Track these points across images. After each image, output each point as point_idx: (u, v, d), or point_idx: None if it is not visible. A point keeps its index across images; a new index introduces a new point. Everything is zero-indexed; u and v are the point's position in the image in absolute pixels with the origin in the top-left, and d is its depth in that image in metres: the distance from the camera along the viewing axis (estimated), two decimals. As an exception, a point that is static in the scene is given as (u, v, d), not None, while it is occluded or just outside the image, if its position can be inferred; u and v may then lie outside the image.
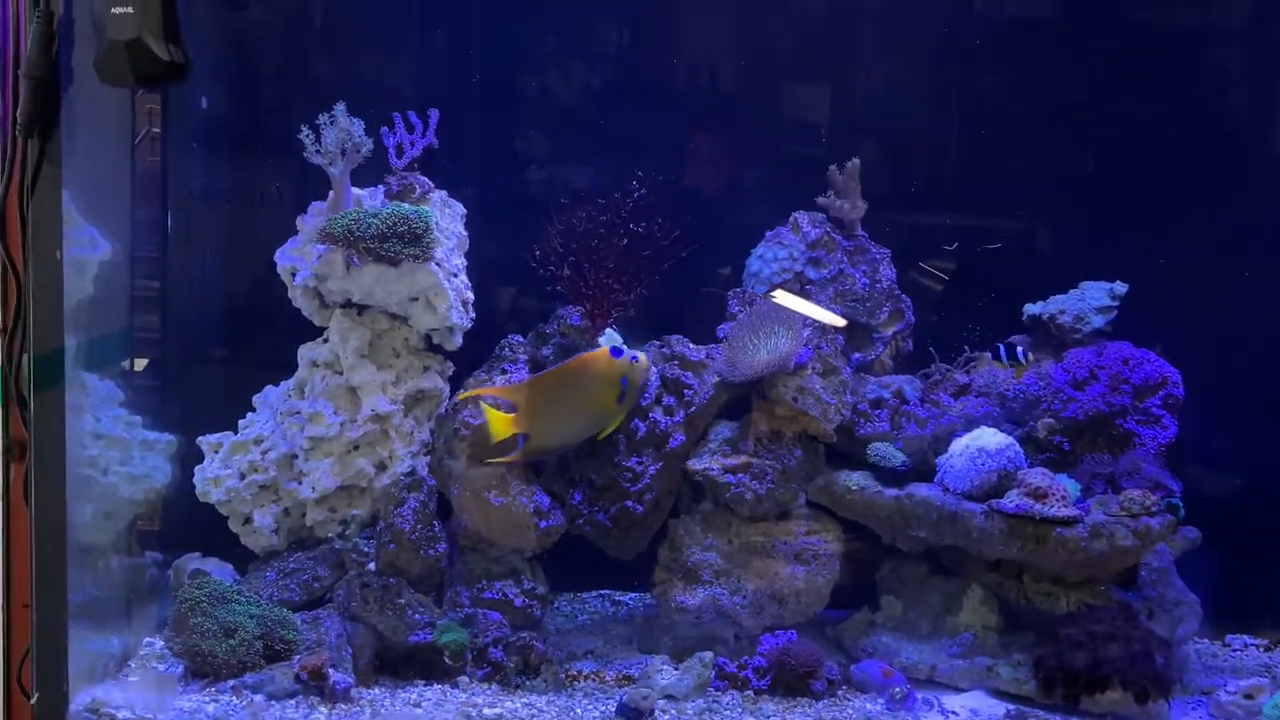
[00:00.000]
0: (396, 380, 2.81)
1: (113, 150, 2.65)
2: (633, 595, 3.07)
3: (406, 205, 2.71)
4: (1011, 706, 2.49)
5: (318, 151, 2.64)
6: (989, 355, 2.79)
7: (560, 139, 3.09)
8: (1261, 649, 2.96)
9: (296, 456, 2.77)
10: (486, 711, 2.40)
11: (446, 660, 2.53)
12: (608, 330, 2.74)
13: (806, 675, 2.51)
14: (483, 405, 2.62)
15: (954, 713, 2.49)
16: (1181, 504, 2.61)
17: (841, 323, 2.83)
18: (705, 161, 3.11)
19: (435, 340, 2.84)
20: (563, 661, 2.66)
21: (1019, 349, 2.75)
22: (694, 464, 2.72)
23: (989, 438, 2.62)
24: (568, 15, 3.04)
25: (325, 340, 2.79)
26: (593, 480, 2.77)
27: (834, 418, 2.70)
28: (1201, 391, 2.81)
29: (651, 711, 2.40)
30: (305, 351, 2.81)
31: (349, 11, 3.08)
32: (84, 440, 2.48)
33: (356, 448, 2.77)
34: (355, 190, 2.77)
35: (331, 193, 2.72)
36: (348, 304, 2.78)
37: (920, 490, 2.64)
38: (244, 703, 2.35)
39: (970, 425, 2.70)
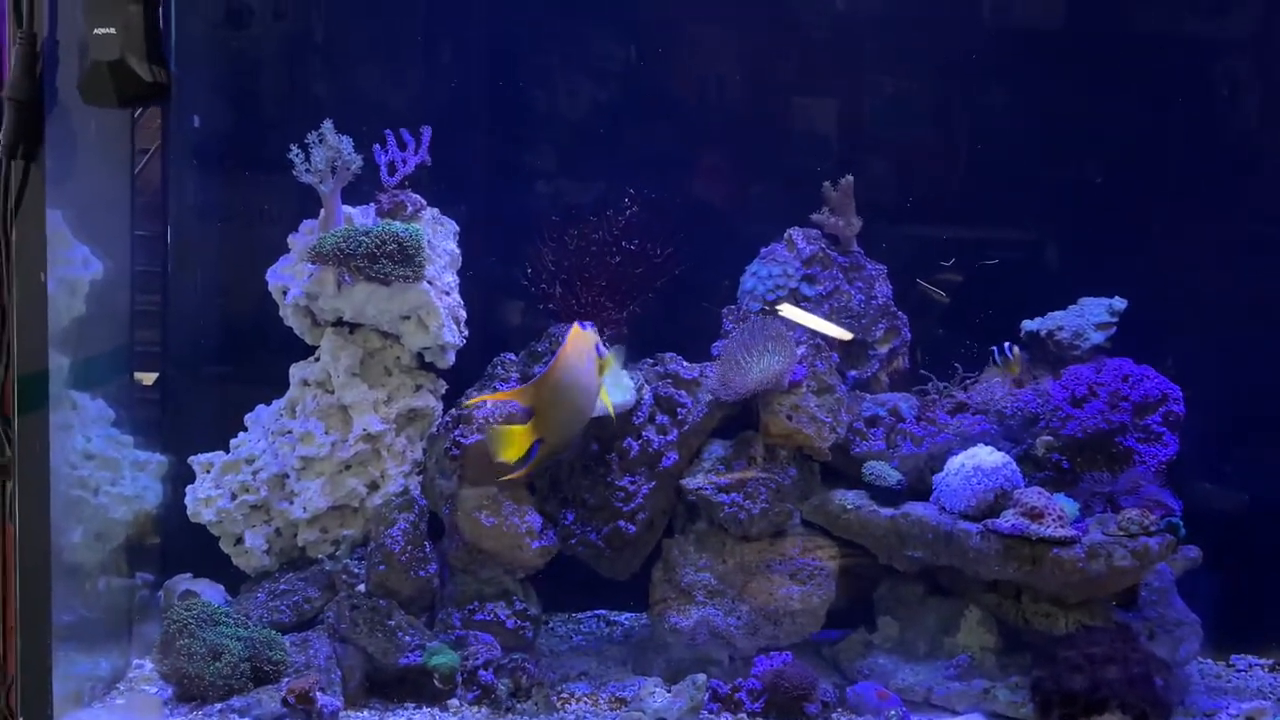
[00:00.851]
0: (388, 399, 2.79)
1: (108, 169, 2.64)
2: (628, 615, 3.04)
3: (398, 223, 2.70)
4: (1008, 730, 2.46)
5: (307, 170, 2.63)
6: (993, 361, 2.78)
7: (554, 155, 3.08)
8: (1266, 669, 2.92)
9: (288, 476, 2.75)
10: (476, 735, 2.38)
11: (437, 683, 2.50)
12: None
13: (800, 698, 2.48)
14: (493, 428, 2.53)
15: (950, 736, 2.47)
16: (1182, 523, 2.57)
17: (847, 335, 2.80)
18: (700, 177, 3.08)
19: (428, 359, 2.83)
20: (555, 684, 2.64)
21: (1007, 345, 2.72)
22: (688, 483, 2.70)
23: (985, 456, 2.59)
24: (564, 31, 3.03)
25: (317, 359, 2.78)
26: (585, 500, 2.75)
27: (829, 436, 2.67)
28: (1202, 408, 2.78)
29: (643, 735, 2.38)
30: (297, 370, 2.80)
31: (345, 30, 3.07)
32: (74, 460, 2.48)
33: (348, 467, 2.76)
34: (347, 208, 2.76)
35: (322, 211, 2.71)
36: (339, 322, 2.76)
37: (916, 510, 2.61)
38: (230, 726, 2.33)
39: (967, 443, 2.67)
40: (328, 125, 2.62)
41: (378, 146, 2.76)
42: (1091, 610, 2.56)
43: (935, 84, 3.08)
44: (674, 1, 3.04)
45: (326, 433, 2.72)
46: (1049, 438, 2.73)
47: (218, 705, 2.38)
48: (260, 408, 2.86)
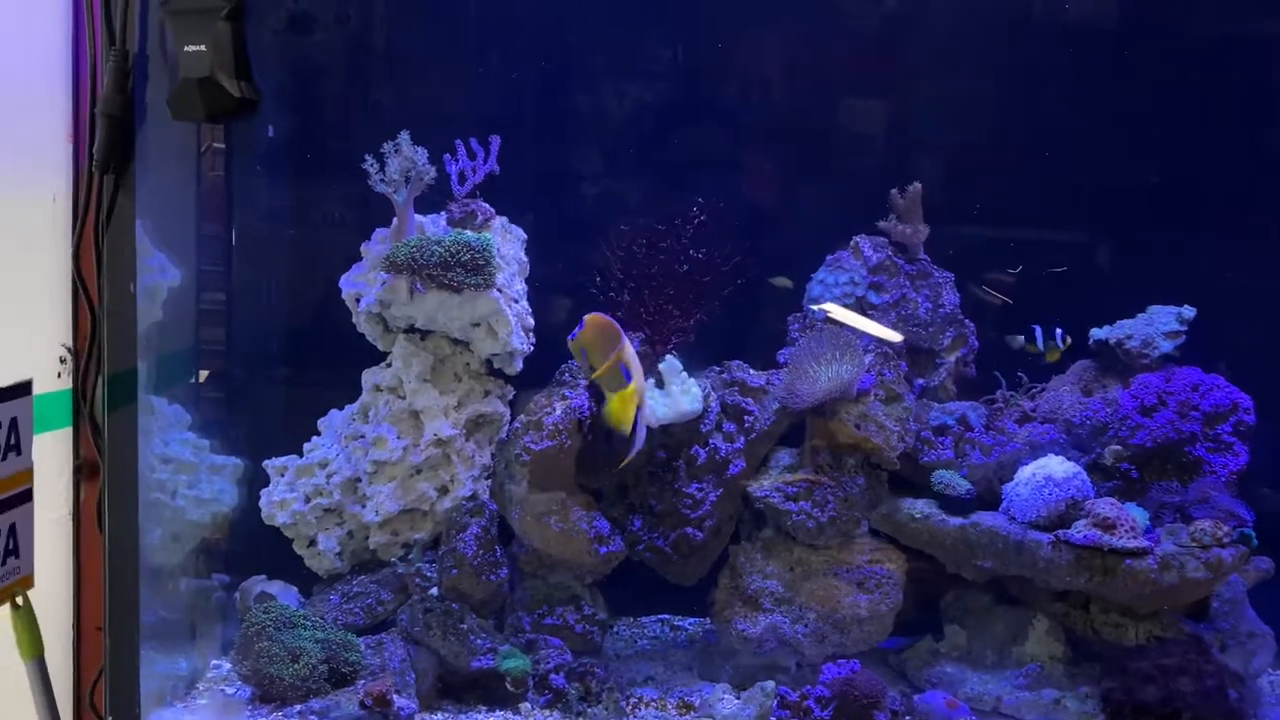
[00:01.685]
0: (458, 404, 2.83)
1: (179, 177, 2.69)
2: (691, 620, 3.06)
3: (469, 233, 2.73)
4: (1079, 740, 2.46)
5: (382, 180, 2.67)
6: (1021, 339, 2.76)
7: (621, 164, 3.09)
8: (1338, 682, 2.89)
9: (360, 480, 2.80)
10: (549, 739, 2.41)
11: (508, 687, 2.54)
12: (667, 357, 2.73)
13: (870, 706, 2.48)
14: (608, 393, 2.44)
15: (1020, 746, 2.47)
16: (1254, 534, 2.55)
17: (897, 338, 2.80)
18: (766, 185, 3.09)
19: (496, 365, 2.86)
20: (623, 688, 2.66)
21: (1058, 330, 2.71)
22: (756, 490, 2.71)
23: (1056, 466, 2.59)
24: (630, 39, 3.05)
25: (389, 365, 2.82)
26: (652, 506, 2.77)
27: (897, 445, 2.67)
28: (1274, 417, 2.75)
29: (714, 741, 2.40)
30: (369, 376, 2.85)
31: (410, 37, 3.10)
32: (153, 464, 2.53)
33: (419, 471, 2.80)
34: (418, 217, 2.80)
35: (395, 220, 2.75)
36: (411, 329, 2.80)
37: (986, 519, 2.61)
38: (310, 728, 2.37)
39: (1036, 452, 2.67)
40: (404, 136, 2.65)
41: (448, 156, 2.79)
42: (1161, 621, 2.55)
43: (1002, 89, 3.07)
44: (739, 9, 3.04)
45: (399, 437, 2.77)
46: (1118, 447, 2.72)
47: (297, 707, 2.42)
48: (333, 412, 2.91)
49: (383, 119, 3.02)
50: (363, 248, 2.82)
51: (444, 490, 2.81)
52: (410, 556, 2.79)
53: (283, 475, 2.85)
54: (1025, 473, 2.60)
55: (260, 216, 3.04)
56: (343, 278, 2.81)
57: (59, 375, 2.46)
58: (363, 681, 2.47)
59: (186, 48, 2.06)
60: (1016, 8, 3.04)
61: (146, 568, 2.41)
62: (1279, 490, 2.84)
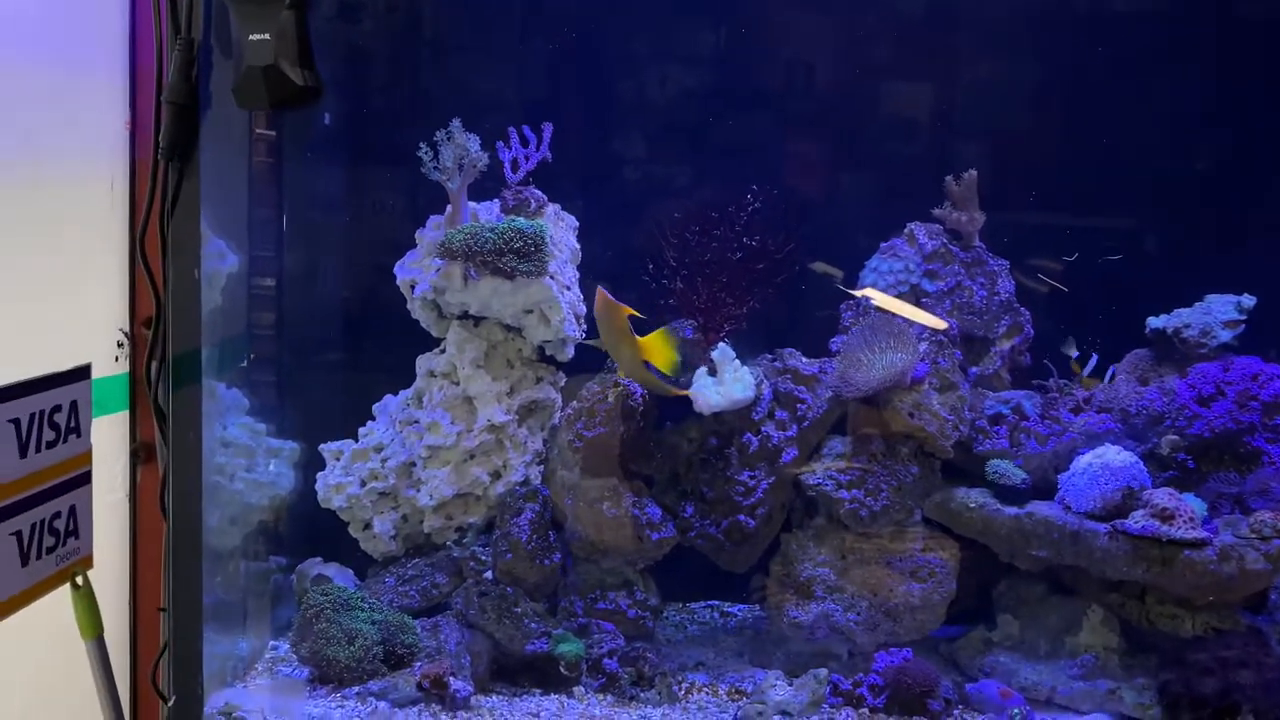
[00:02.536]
0: (511, 390, 2.84)
1: (235, 164, 2.72)
2: (741, 606, 3.07)
3: (522, 220, 2.74)
4: (1135, 732, 2.45)
5: (435, 168, 2.69)
6: (1076, 353, 2.75)
7: (673, 149, 3.09)
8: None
9: (415, 464, 2.83)
10: (603, 723, 2.43)
11: (563, 670, 2.56)
12: (720, 345, 2.74)
13: (924, 695, 2.49)
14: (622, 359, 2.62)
15: (1076, 736, 2.46)
16: (1315, 526, 2.52)
17: (942, 325, 2.78)
18: (818, 172, 3.08)
19: (548, 351, 2.88)
20: (674, 673, 2.68)
21: (1111, 369, 2.74)
22: (808, 478, 2.71)
23: (1112, 455, 2.57)
24: (682, 26, 3.04)
25: (443, 351, 2.85)
26: (704, 494, 2.78)
27: (951, 434, 2.67)
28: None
29: (766, 727, 2.41)
30: (423, 362, 2.87)
31: (461, 23, 3.11)
32: (213, 447, 2.56)
33: (472, 456, 2.82)
34: (471, 204, 2.81)
35: (449, 207, 2.76)
36: (464, 315, 2.82)
37: (1041, 509, 2.60)
38: (369, 709, 2.41)
39: (1091, 442, 2.65)
40: (456, 124, 2.67)
41: (500, 143, 2.80)
42: (1218, 612, 2.53)
43: (1059, 74, 3.04)
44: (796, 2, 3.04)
45: (452, 423, 2.79)
46: (1175, 437, 2.69)
47: (355, 688, 2.46)
48: (388, 397, 2.94)
49: (433, 106, 3.04)
50: (417, 235, 2.84)
51: (497, 475, 2.83)
52: (464, 540, 2.81)
53: (338, 459, 2.89)
54: (1082, 462, 2.58)
55: (314, 203, 3.06)
56: (397, 264, 2.83)
57: (116, 359, 2.50)
58: (419, 664, 2.50)
59: (251, 36, 2.08)
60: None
61: (207, 550, 2.44)
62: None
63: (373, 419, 2.95)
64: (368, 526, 2.86)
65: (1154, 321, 2.84)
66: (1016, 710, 2.48)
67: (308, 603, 2.59)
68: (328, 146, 3.05)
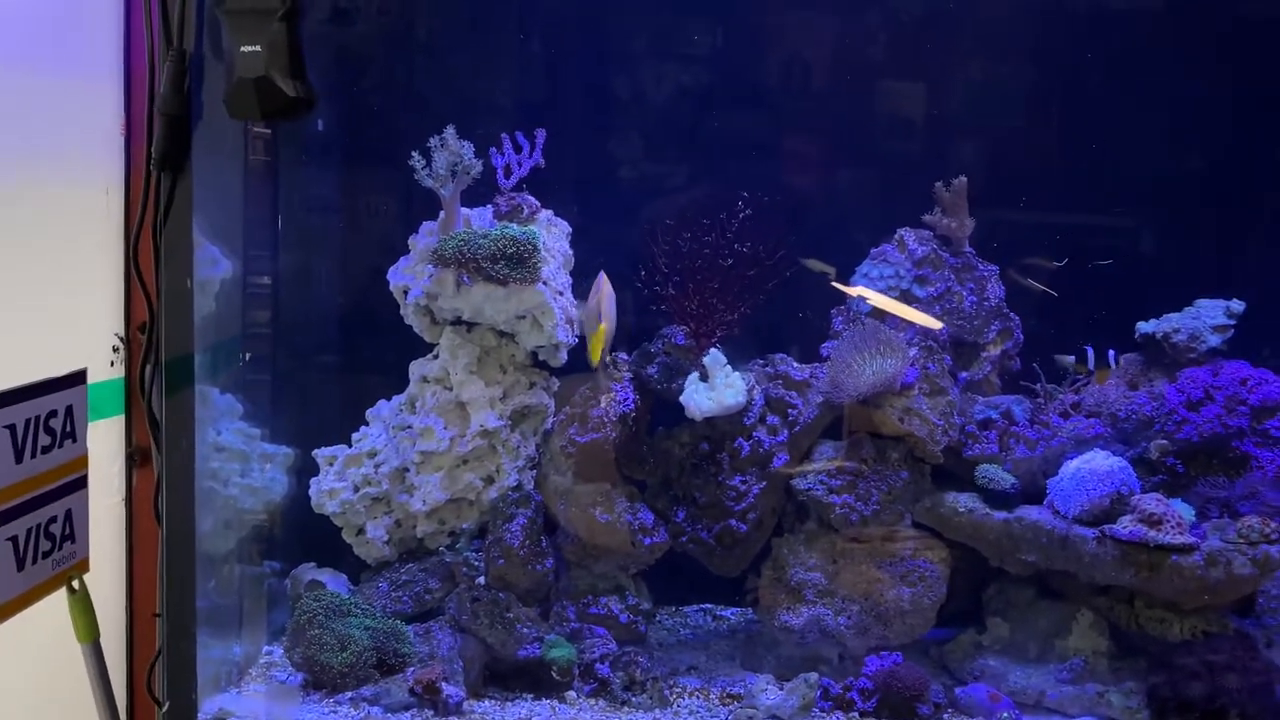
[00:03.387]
0: (504, 396, 2.86)
1: (229, 172, 2.73)
2: (733, 610, 3.08)
3: (515, 226, 2.75)
4: (1123, 735, 2.47)
5: (429, 175, 2.70)
6: (1071, 358, 2.75)
7: (666, 157, 3.10)
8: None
9: (408, 470, 2.84)
10: (595, 728, 2.45)
11: (554, 675, 2.57)
12: (711, 351, 2.75)
13: (913, 699, 2.50)
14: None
15: (1064, 740, 2.48)
16: (1303, 531, 2.53)
17: (938, 325, 2.79)
18: (809, 177, 3.09)
19: (541, 357, 2.89)
20: (666, 677, 2.69)
21: (1110, 353, 2.70)
22: (799, 483, 2.73)
23: (1100, 460, 2.58)
24: (675, 32, 3.05)
25: (435, 356, 2.86)
26: (696, 498, 2.79)
27: (941, 439, 2.68)
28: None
29: (757, 731, 2.43)
30: (416, 367, 2.88)
31: (454, 29, 3.12)
32: (207, 452, 2.58)
33: (465, 462, 2.83)
34: (464, 210, 2.83)
35: (442, 213, 2.78)
36: (457, 321, 2.84)
37: (1030, 513, 2.62)
38: (361, 715, 2.42)
39: (1080, 446, 2.66)
40: (450, 131, 2.68)
41: (493, 150, 2.81)
42: (1206, 617, 2.54)
43: (1048, 77, 3.05)
44: (790, 4, 3.05)
45: (445, 428, 2.80)
46: (1163, 441, 2.71)
47: (348, 694, 2.47)
48: (381, 403, 2.95)
49: (426, 111, 3.05)
50: (410, 240, 2.85)
51: (490, 480, 2.84)
52: (457, 545, 2.83)
53: (332, 465, 2.90)
54: (1070, 467, 2.60)
55: (308, 209, 3.07)
56: (391, 270, 2.85)
57: (112, 364, 2.52)
58: (412, 669, 2.52)
59: (242, 48, 2.08)
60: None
61: (201, 555, 2.45)
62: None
63: (366, 424, 2.96)
64: (361, 531, 2.87)
65: (1143, 326, 2.85)
66: (1005, 714, 2.49)
67: (301, 608, 2.60)
68: (321, 152, 3.07)
